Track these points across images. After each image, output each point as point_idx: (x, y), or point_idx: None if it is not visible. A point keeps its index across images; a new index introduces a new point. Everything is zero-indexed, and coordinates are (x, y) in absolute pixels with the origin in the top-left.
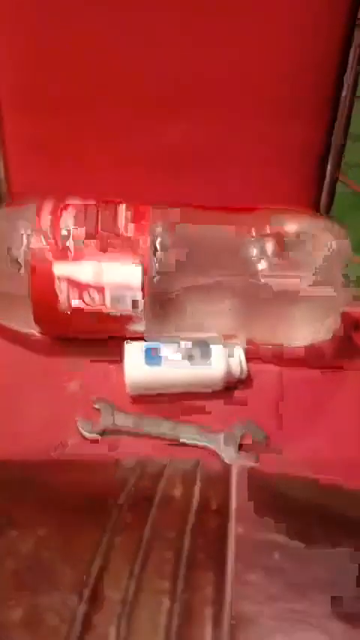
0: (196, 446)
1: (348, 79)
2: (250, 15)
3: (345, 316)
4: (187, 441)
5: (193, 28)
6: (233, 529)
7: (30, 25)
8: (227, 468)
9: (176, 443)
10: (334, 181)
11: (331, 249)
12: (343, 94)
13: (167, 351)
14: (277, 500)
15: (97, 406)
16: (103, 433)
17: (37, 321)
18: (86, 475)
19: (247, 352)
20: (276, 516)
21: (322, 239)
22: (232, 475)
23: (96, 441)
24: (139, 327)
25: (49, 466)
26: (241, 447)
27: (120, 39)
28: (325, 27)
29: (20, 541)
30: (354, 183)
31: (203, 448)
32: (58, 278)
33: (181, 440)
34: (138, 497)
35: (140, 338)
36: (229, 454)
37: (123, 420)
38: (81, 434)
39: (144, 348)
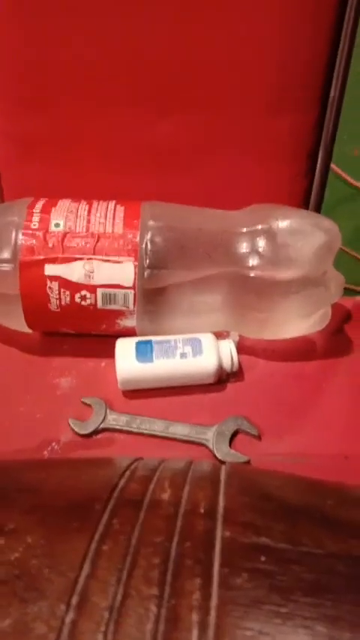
0: (188, 442)
1: (338, 72)
2: (239, 11)
3: (337, 308)
4: (180, 439)
5: (179, 27)
6: (220, 533)
7: (22, 27)
8: (217, 469)
9: (169, 439)
10: (324, 175)
11: (321, 244)
12: (333, 88)
13: (158, 346)
14: (265, 501)
15: (88, 403)
16: (95, 432)
17: (28, 318)
18: (74, 477)
19: (238, 346)
20: (263, 519)
21: (312, 234)
22: (221, 476)
23: (88, 440)
24: (130, 322)
25: (39, 468)
26: (233, 442)
27: (109, 40)
28: (313, 23)
29: (8, 549)
30: (346, 175)
31: (196, 444)
32: (49, 277)
33: (173, 438)
34: (126, 502)
35: (132, 334)
36: (221, 451)
37: (115, 419)
38: (73, 432)
39: (135, 344)
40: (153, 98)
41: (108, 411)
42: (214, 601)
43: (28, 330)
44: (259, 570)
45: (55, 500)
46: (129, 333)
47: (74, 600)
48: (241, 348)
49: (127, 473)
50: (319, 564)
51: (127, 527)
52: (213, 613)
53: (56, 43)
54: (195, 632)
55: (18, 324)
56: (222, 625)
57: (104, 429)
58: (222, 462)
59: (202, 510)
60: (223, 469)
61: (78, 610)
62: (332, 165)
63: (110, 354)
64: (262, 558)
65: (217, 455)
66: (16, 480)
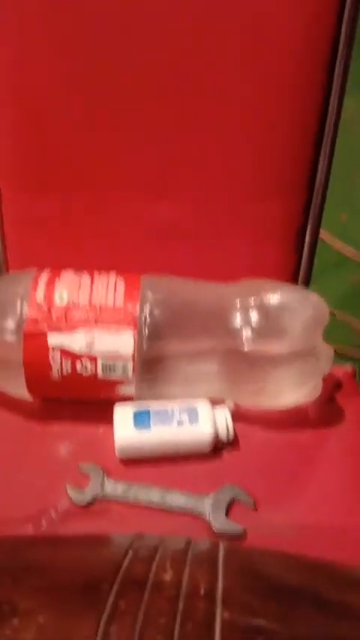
0: (184, 513)
1: (324, 156)
2: (230, 97)
3: (328, 377)
4: (176, 509)
5: (175, 121)
6: (219, 614)
7: (27, 110)
8: (215, 548)
9: (166, 509)
10: (312, 250)
11: (309, 318)
12: (319, 172)
13: (156, 415)
14: (263, 582)
15: (86, 470)
16: (92, 501)
17: (30, 386)
18: (80, 556)
19: (233, 415)
20: (261, 600)
21: (300, 308)
22: (219, 557)
23: (86, 509)
24: (129, 390)
25: (43, 546)
26: (229, 512)
27: (108, 130)
28: (298, 113)
29: (22, 629)
30: (336, 242)
31: (193, 515)
32: (52, 348)
33: (169, 508)
34: (131, 582)
35: (130, 399)
36: (218, 521)
37: (112, 488)
38: (71, 500)
39: (133, 413)
40: (153, 183)
41: (105, 478)
42: None
43: (29, 397)
44: None
45: (62, 579)
46: (127, 399)
47: None
48: (237, 415)
49: (130, 552)
50: None
51: (132, 608)
52: None
53: (57, 131)
54: None
55: (19, 390)
56: None
57: (101, 499)
58: (218, 533)
59: (202, 592)
60: (221, 549)
61: None
62: (321, 231)
63: (108, 420)
64: (259, 639)
65: (214, 525)
66: (19, 557)
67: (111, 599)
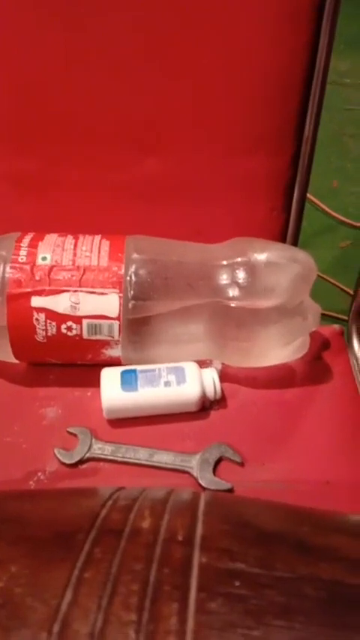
0: (173, 470)
1: (311, 112)
2: (215, 58)
3: (315, 336)
4: (164, 467)
5: (162, 74)
6: (197, 559)
7: (6, 63)
8: (197, 497)
9: (154, 467)
10: (300, 210)
11: (296, 275)
12: (306, 127)
13: (143, 375)
14: (242, 528)
15: (74, 432)
16: (80, 461)
17: (15, 349)
18: (58, 508)
19: (220, 375)
20: (240, 545)
21: (288, 266)
22: (200, 504)
23: (74, 469)
24: (115, 352)
25: (24, 499)
26: (216, 469)
27: (95, 84)
28: (287, 61)
29: None
30: (324, 205)
31: (181, 472)
32: (36, 309)
33: (158, 466)
34: (108, 531)
35: (117, 363)
36: (205, 478)
37: (101, 448)
38: (59, 462)
39: (120, 373)
40: (136, 138)
41: (93, 440)
42: (190, 625)
43: (15, 361)
44: (233, 595)
45: (40, 530)
46: (114, 362)
47: (56, 628)
48: (224, 376)
49: (109, 502)
50: (290, 588)
51: (108, 556)
52: (189, 637)
53: (43, 87)
54: None
55: (4, 354)
56: None
57: (90, 459)
58: (206, 490)
59: (180, 538)
60: (203, 497)
61: (59, 637)
62: (311, 197)
63: (96, 383)
64: (237, 583)
65: (201, 482)
66: (1, 511)
67: (86, 547)
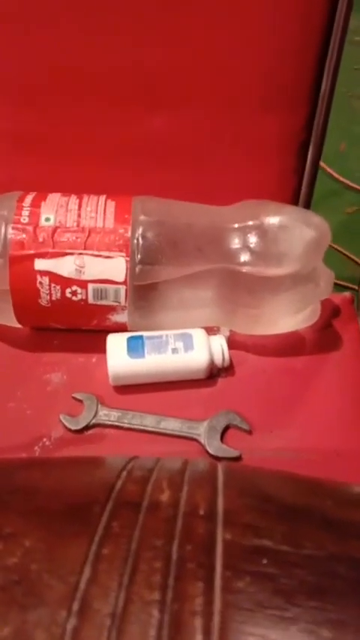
0: (180, 437)
1: (328, 69)
2: (229, 10)
3: (325, 303)
4: (171, 434)
5: (170, 25)
6: (221, 535)
7: (6, 18)
8: (214, 468)
9: (161, 434)
10: (314, 172)
11: (310, 240)
12: (323, 84)
13: (150, 341)
14: (265, 502)
15: (79, 398)
16: (86, 427)
17: (18, 313)
18: (71, 478)
19: (229, 341)
20: (263, 520)
21: (302, 230)
22: (218, 476)
23: (80, 435)
24: (121, 317)
25: (32, 468)
26: (224, 437)
27: (98, 36)
28: (303, 21)
29: (7, 554)
30: (333, 171)
31: (188, 439)
32: (39, 272)
33: (165, 433)
34: (125, 504)
35: (123, 329)
36: (213, 445)
37: (107, 414)
38: (64, 428)
39: (126, 340)
40: (143, 94)
41: (99, 406)
42: (217, 605)
43: (18, 326)
44: (261, 573)
45: (52, 502)
46: (120, 328)
47: (75, 606)
48: (232, 343)
49: (124, 473)
50: (320, 567)
51: (127, 530)
52: (216, 618)
53: (45, 40)
54: (199, 638)
55: (8, 319)
56: (226, 630)
57: (96, 425)
58: (213, 457)
59: (201, 512)
60: (220, 469)
61: (80, 616)
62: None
63: (101, 349)
64: (264, 561)
65: (209, 449)
66: (10, 480)
67: (103, 520)
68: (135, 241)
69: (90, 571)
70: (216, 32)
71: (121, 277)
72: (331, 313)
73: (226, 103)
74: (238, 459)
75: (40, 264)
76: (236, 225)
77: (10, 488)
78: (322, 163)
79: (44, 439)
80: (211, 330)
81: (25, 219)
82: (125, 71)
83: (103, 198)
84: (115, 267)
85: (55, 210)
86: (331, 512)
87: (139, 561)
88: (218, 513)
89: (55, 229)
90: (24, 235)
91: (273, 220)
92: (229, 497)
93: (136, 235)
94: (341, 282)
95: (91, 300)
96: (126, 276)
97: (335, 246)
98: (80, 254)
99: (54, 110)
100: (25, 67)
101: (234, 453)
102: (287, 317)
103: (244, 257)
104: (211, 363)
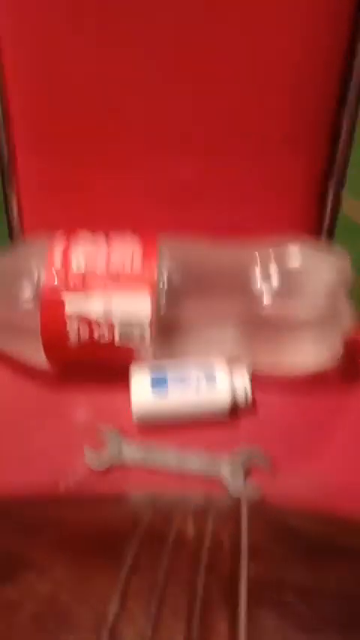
0: (202, 476)
1: (349, 109)
2: (252, 59)
3: (349, 342)
4: (193, 472)
5: (198, 75)
6: (245, 569)
7: (40, 68)
8: (238, 504)
9: (183, 474)
10: (335, 209)
11: (333, 278)
12: (344, 124)
13: (173, 380)
14: (288, 536)
15: (103, 434)
16: (110, 465)
17: (47, 354)
18: (98, 511)
19: (251, 380)
20: (287, 554)
21: (324, 268)
22: (242, 511)
23: (104, 473)
24: (146, 355)
25: (61, 503)
26: (247, 475)
27: (129, 87)
28: (323, 64)
29: (38, 583)
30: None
31: (211, 477)
32: (69, 316)
33: (187, 471)
34: (151, 537)
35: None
36: (235, 484)
37: (130, 451)
38: (89, 464)
39: (150, 378)
40: (171, 140)
41: (123, 443)
42: (242, 637)
43: (46, 364)
44: (286, 608)
45: (81, 534)
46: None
47: (105, 634)
48: (254, 380)
49: (150, 508)
50: (346, 603)
51: (153, 563)
52: None
53: (72, 84)
54: None
55: (36, 358)
56: None
57: (119, 462)
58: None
59: (226, 546)
60: (244, 504)
61: None
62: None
63: (125, 384)
64: (290, 596)
65: (231, 488)
66: (40, 513)
67: (130, 553)
68: (161, 285)
69: (118, 600)
70: (238, 80)
71: (147, 320)
72: (354, 351)
73: (249, 146)
74: (260, 498)
75: (70, 308)
76: (258, 265)
77: (41, 522)
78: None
79: (68, 477)
80: (234, 362)
81: (57, 264)
82: (149, 117)
83: (130, 241)
84: (142, 311)
85: (85, 255)
86: (357, 547)
87: (166, 592)
88: (242, 548)
89: (85, 274)
90: (56, 280)
91: (295, 259)
92: (254, 532)
93: (162, 278)
94: None
95: (117, 341)
96: (152, 316)
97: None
98: (109, 297)
99: (84, 156)
100: (52, 110)
101: (256, 492)
102: (309, 355)
103: (267, 299)
104: (234, 403)
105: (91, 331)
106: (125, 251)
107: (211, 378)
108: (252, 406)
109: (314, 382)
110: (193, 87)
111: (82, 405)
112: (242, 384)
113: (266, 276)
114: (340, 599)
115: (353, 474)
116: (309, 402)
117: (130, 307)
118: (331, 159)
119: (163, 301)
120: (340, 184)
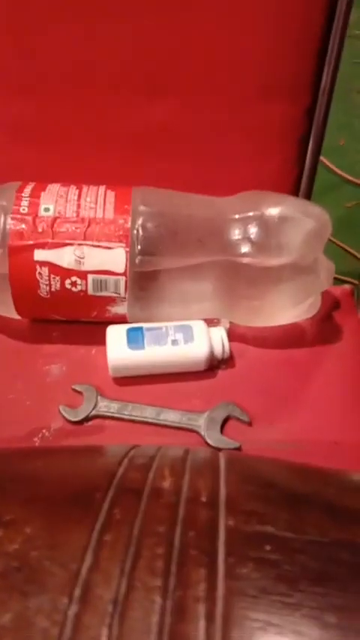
0: (180, 429)
1: (329, 61)
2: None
3: (326, 295)
4: (171, 425)
5: (172, 12)
6: (223, 522)
7: (7, 12)
8: (215, 456)
9: (160, 426)
10: (314, 164)
11: (310, 231)
12: (324, 76)
13: (149, 333)
14: (266, 489)
15: (79, 390)
16: (86, 419)
17: (17, 305)
18: (72, 466)
19: (229, 333)
20: (265, 506)
21: (302, 221)
22: (220, 464)
23: (79, 427)
24: (121, 309)
25: (34, 457)
26: (224, 428)
27: (98, 23)
28: (305, 10)
29: (7, 541)
30: (333, 165)
31: (188, 431)
32: (39, 263)
33: (164, 424)
34: (126, 490)
35: (123, 321)
36: (212, 437)
37: (106, 406)
38: (64, 419)
39: (126, 331)
40: (143, 82)
41: (99, 397)
42: (220, 591)
43: (18, 317)
44: (264, 560)
45: (53, 489)
46: (120, 320)
47: (77, 593)
48: (232, 335)
49: (126, 461)
50: (324, 553)
51: (128, 517)
52: (220, 604)
53: (44, 28)
54: (202, 624)
55: (7, 310)
56: (229, 616)
57: (95, 416)
58: (213, 448)
59: (204, 499)
60: (222, 456)
61: (81, 603)
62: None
63: (101, 340)
64: (268, 547)
65: (209, 441)
66: (10, 468)
67: (105, 507)
68: (135, 232)
69: (92, 558)
70: (216, 21)
71: (121, 268)
72: (331, 305)
73: (227, 92)
74: (237, 450)
75: (39, 255)
76: (236, 217)
77: (11, 476)
78: (322, 157)
79: (44, 430)
80: (211, 322)
81: (24, 209)
82: (125, 60)
83: (102, 188)
84: (115, 258)
85: (54, 201)
86: (334, 499)
87: (141, 548)
88: (220, 500)
89: (54, 219)
90: (23, 226)
91: (273, 211)
92: (231, 484)
93: (136, 226)
94: (340, 277)
95: (90, 292)
96: (126, 267)
97: (334, 240)
98: (80, 244)
99: (53, 99)
100: (24, 55)
101: (234, 445)
102: (287, 309)
103: (245, 248)
104: (211, 355)
105: (62, 281)
106: (97, 197)
107: (188, 332)
108: (230, 360)
109: (292, 336)
110: (164, 26)
111: (57, 361)
112: (220, 337)
113: (244, 226)
114: (317, 549)
115: (326, 429)
116: (286, 355)
117: (103, 256)
118: (310, 115)
119: (137, 249)
120: (319, 141)
